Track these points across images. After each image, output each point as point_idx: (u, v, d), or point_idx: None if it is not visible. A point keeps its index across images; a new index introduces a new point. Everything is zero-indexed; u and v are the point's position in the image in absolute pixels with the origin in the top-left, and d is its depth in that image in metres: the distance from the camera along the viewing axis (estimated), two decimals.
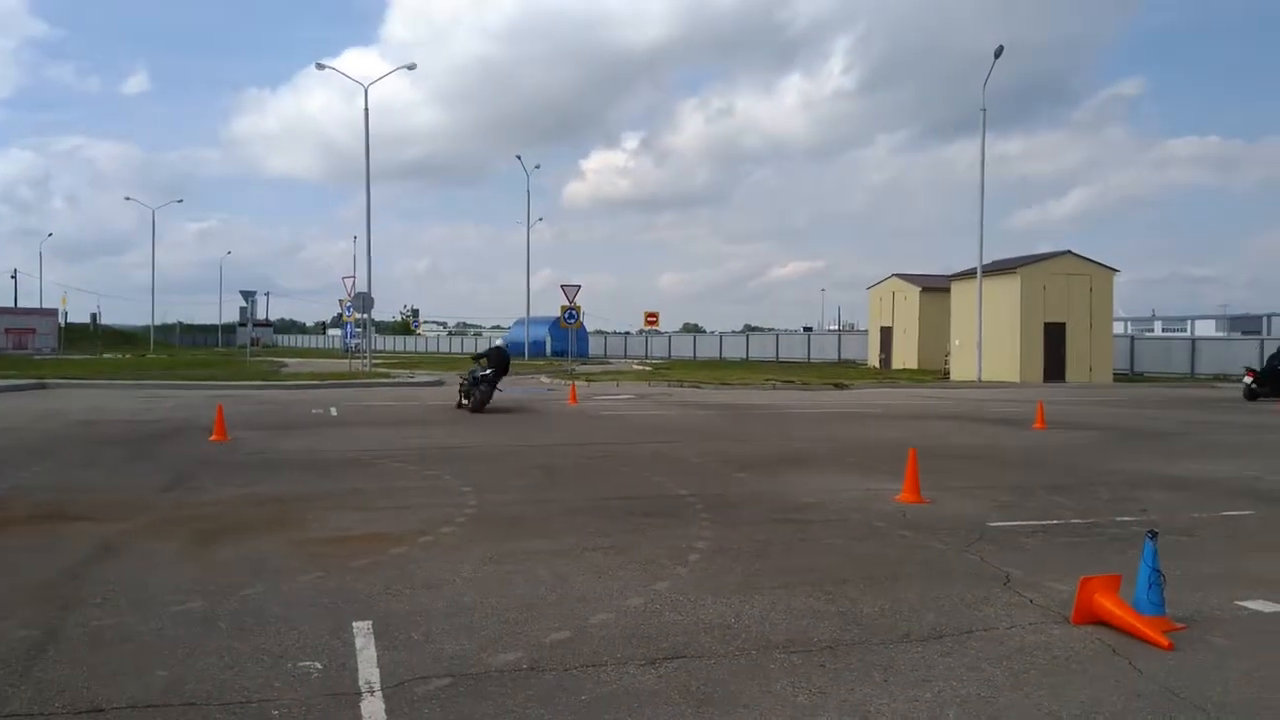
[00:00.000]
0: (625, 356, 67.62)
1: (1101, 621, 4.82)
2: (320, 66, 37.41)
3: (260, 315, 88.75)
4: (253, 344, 51.81)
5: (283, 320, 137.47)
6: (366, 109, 36.07)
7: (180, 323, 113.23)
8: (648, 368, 45.19)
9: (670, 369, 43.09)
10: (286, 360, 48.86)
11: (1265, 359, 25.40)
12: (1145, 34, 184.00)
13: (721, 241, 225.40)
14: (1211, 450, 13.30)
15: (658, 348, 69.15)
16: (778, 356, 59.05)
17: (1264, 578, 5.94)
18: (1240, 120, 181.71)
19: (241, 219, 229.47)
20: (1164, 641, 4.53)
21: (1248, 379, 24.63)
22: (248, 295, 41.88)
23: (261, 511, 7.89)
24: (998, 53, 33.40)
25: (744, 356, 61.34)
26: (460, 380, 19.52)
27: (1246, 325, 70.10)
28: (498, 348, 18.88)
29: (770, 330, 73.02)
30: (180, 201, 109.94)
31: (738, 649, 4.48)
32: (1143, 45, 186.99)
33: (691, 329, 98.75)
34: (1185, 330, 70.28)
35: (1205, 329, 69.78)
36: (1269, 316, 75.38)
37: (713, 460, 11.41)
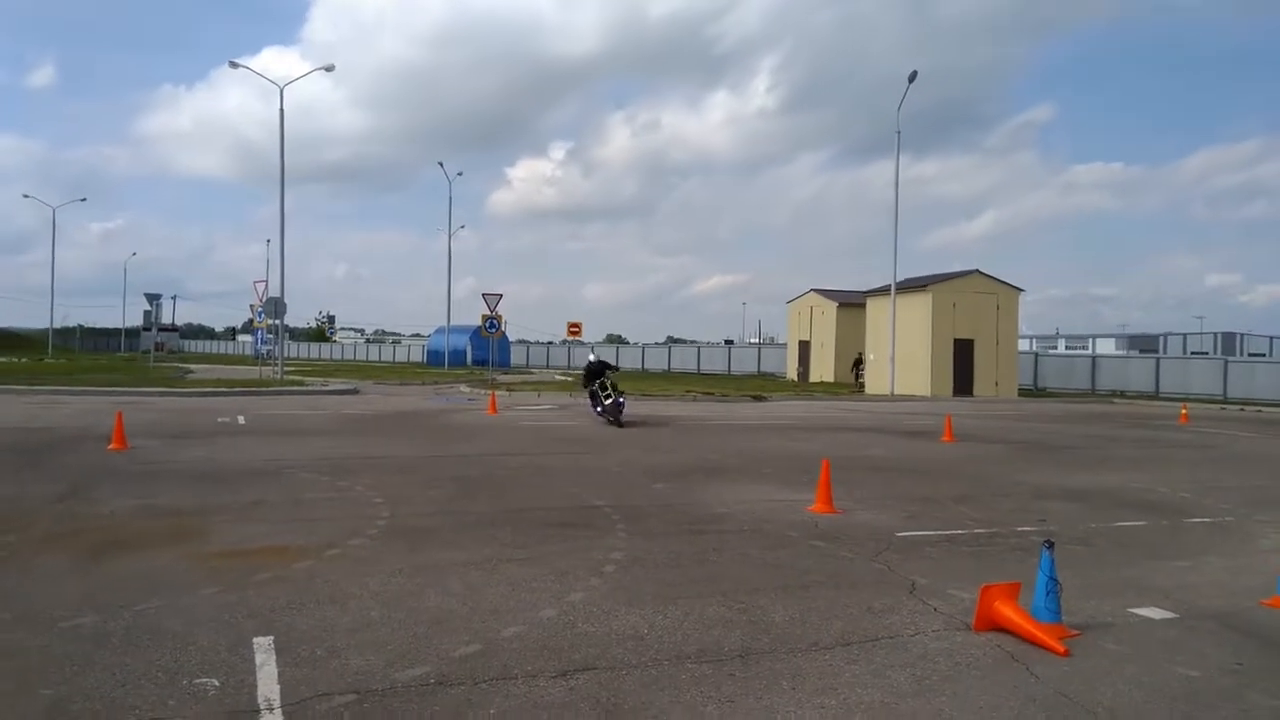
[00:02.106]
0: (548, 366, 67.30)
1: (1001, 628, 4.98)
2: (234, 65, 36.28)
3: (167, 320, 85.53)
4: (157, 349, 49.77)
5: (190, 325, 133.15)
6: (282, 110, 35.17)
7: (81, 326, 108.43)
8: (570, 378, 45.01)
9: None
10: (193, 366, 47.24)
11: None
12: (1056, 64, 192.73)
13: (647, 254, 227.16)
14: (1108, 463, 13.88)
15: (581, 358, 68.84)
16: (699, 368, 59.51)
17: (1155, 586, 6.22)
18: (1144, 148, 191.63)
19: (150, 220, 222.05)
20: (1059, 648, 4.70)
21: None
22: (152, 298, 40.12)
23: (160, 523, 7.59)
24: (911, 78, 34.45)
25: (666, 368, 61.65)
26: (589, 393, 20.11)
27: (1144, 344, 73.60)
28: (598, 361, 19.95)
29: (692, 342, 73.65)
30: (84, 200, 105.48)
31: (650, 660, 4.48)
32: (1053, 74, 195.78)
33: (615, 340, 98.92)
34: (1087, 348, 73.39)
35: (1106, 347, 72.98)
36: (1165, 336, 79.40)
37: (630, 471, 11.42)
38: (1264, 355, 61.79)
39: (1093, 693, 4.19)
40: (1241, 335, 75.64)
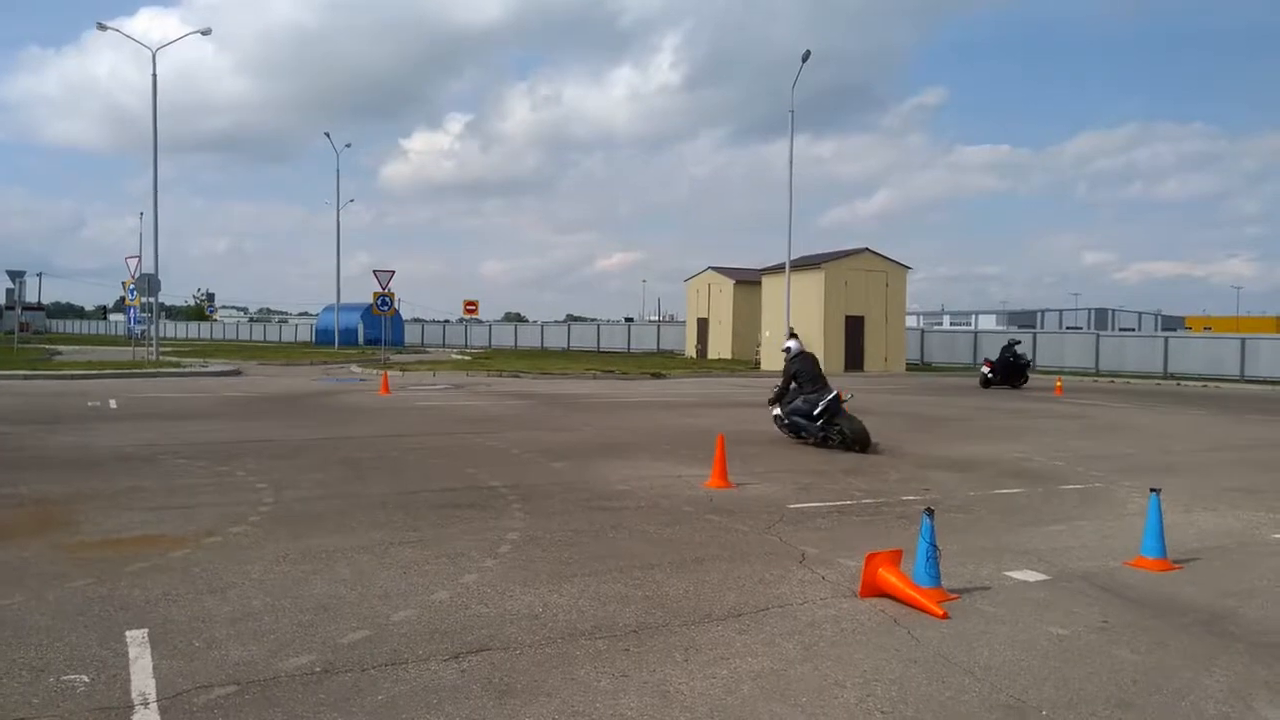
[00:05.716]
0: (444, 345, 66.23)
1: (885, 594, 5.14)
2: (102, 27, 34.16)
3: (31, 298, 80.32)
4: (21, 330, 46.73)
5: (58, 304, 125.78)
6: (155, 75, 33.29)
7: None
8: (467, 357, 44.38)
9: (490, 358, 42.54)
10: (61, 348, 44.60)
11: (999, 352, 28.13)
12: (948, 47, 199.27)
13: (547, 230, 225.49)
14: (988, 434, 14.52)
15: (478, 337, 68.12)
16: (599, 346, 59.52)
17: (1028, 549, 6.53)
18: (1030, 131, 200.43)
19: (13, 192, 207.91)
20: (939, 611, 4.89)
21: (985, 369, 27.57)
22: (15, 275, 37.65)
23: (24, 514, 7.14)
24: (805, 57, 34.93)
25: (565, 346, 61.45)
26: None
27: (1023, 320, 77.30)
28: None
29: (592, 320, 73.37)
30: None
31: (544, 638, 4.45)
32: (945, 58, 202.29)
33: (513, 318, 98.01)
34: (970, 324, 76.52)
35: (987, 323, 76.26)
36: (1042, 312, 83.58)
37: (529, 450, 11.34)
38: (1133, 330, 65.68)
39: (970, 653, 4.37)
40: (1113, 311, 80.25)
